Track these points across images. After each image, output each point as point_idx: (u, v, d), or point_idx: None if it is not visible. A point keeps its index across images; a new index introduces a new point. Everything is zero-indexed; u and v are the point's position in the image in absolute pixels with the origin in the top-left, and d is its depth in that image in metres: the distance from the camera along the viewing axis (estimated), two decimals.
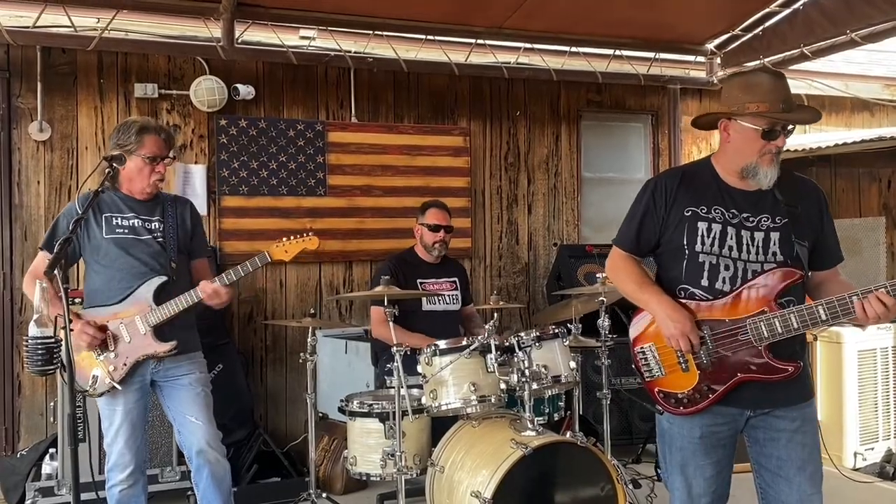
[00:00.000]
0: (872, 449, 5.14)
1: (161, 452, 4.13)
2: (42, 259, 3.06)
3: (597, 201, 5.87)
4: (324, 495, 3.68)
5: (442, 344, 3.30)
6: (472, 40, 5.01)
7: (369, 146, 5.10)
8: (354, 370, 4.51)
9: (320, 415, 4.74)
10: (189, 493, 4.16)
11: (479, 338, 3.24)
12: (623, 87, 5.77)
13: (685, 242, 2.35)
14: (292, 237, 3.12)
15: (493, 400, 3.26)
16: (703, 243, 2.33)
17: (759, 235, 2.32)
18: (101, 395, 3.01)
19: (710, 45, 5.55)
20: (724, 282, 2.31)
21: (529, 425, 3.16)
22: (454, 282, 4.33)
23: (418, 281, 4.20)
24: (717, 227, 2.33)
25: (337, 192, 5.02)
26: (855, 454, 5.07)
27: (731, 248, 2.31)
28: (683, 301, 2.36)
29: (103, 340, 2.99)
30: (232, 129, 4.78)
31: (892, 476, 4.74)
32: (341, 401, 3.59)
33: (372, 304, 4.17)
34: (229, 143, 4.77)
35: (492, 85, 5.50)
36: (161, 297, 3.02)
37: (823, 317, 2.18)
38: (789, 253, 2.31)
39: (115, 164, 2.79)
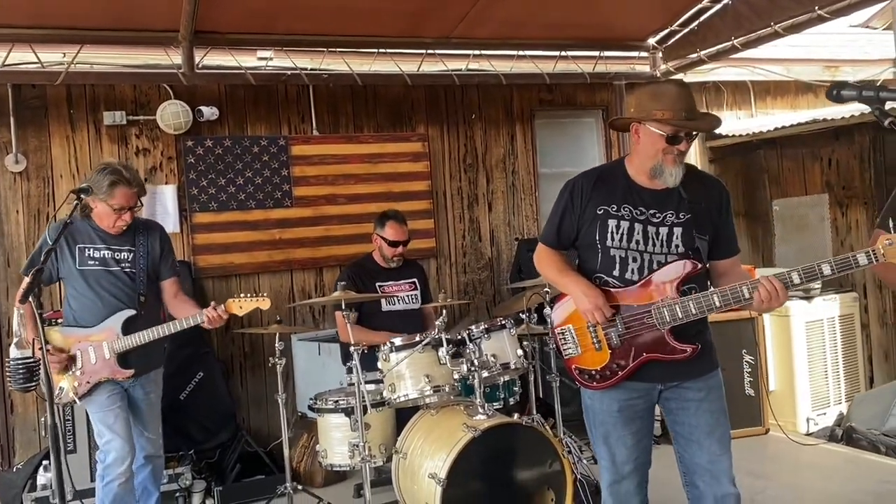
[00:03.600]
0: (825, 414, 5.46)
1: None
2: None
3: (554, 195, 6.11)
4: (300, 487, 3.95)
5: (397, 341, 3.59)
6: (423, 51, 5.28)
7: (331, 157, 5.37)
8: (328, 370, 4.78)
9: (299, 414, 5.04)
10: (177, 494, 4.45)
11: (431, 333, 3.53)
12: (573, 85, 6.05)
13: (598, 238, 2.64)
14: (250, 296, 3.50)
15: (447, 389, 3.55)
16: (612, 239, 2.61)
17: (663, 230, 2.59)
18: (64, 405, 3.53)
19: (652, 41, 5.83)
20: (632, 272, 2.60)
21: (480, 410, 3.44)
22: (413, 282, 4.60)
23: (377, 285, 4.46)
24: (625, 224, 2.61)
25: (303, 202, 5.29)
26: (807, 420, 5.39)
27: (638, 243, 2.60)
28: (603, 287, 2.65)
29: (66, 363, 3.42)
30: (198, 149, 5.04)
31: (840, 438, 5.05)
32: (310, 399, 3.88)
33: (335, 310, 4.46)
34: (196, 162, 5.03)
35: (446, 91, 5.77)
36: (129, 328, 3.43)
37: (717, 304, 2.47)
38: (690, 245, 2.58)
39: (82, 196, 3.06)
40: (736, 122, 6.71)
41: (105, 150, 4.90)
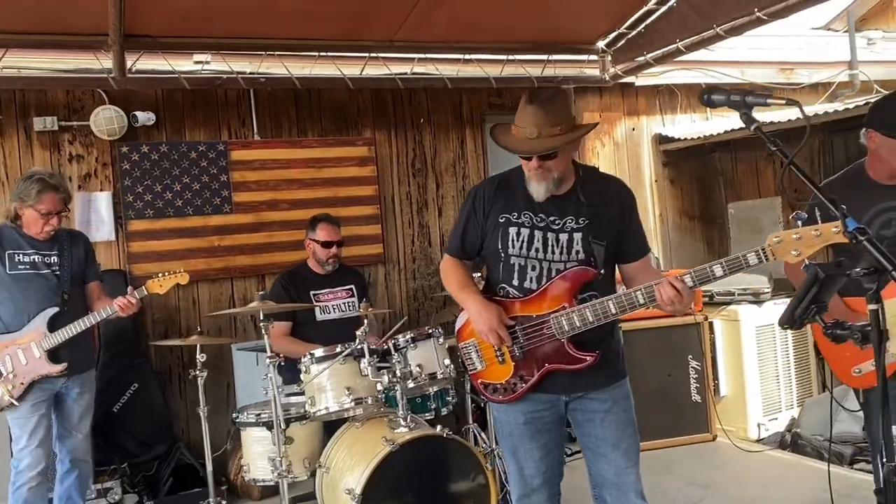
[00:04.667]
0: (776, 419, 5.41)
1: None
2: None
3: None
4: (223, 502, 3.85)
5: (318, 352, 3.50)
6: (366, 54, 5.18)
7: (273, 162, 5.27)
8: (267, 381, 4.67)
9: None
10: None
11: (351, 345, 3.44)
12: (523, 89, 5.95)
13: (500, 246, 2.57)
14: (167, 273, 3.71)
15: (369, 401, 3.47)
16: (513, 246, 2.55)
17: (563, 237, 2.53)
18: (2, 409, 3.54)
19: (601, 44, 5.77)
20: (531, 281, 2.53)
21: (402, 423, 3.36)
22: (350, 289, 4.51)
23: (312, 293, 4.38)
24: (525, 232, 2.54)
25: (243, 208, 5.18)
26: (758, 425, 5.34)
27: (537, 250, 2.53)
28: (500, 298, 2.57)
29: None
30: (134, 156, 4.93)
31: (788, 444, 4.99)
32: (234, 413, 3.78)
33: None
34: (132, 168, 4.92)
35: (394, 95, 5.69)
36: (55, 325, 3.59)
37: (614, 311, 2.40)
38: (591, 251, 2.52)
39: None
40: (690, 126, 6.67)
41: (36, 156, 4.78)
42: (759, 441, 5.20)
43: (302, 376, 3.55)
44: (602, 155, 6.43)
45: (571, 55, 5.80)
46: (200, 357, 3.73)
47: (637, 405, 4.92)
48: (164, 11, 4.40)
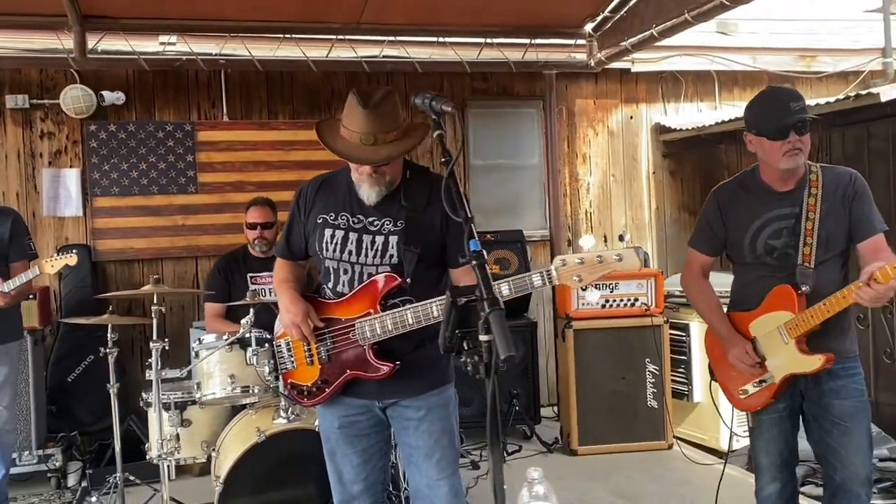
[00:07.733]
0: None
1: (21, 437, 4.47)
2: None
3: (487, 188, 5.93)
4: (132, 478, 3.95)
5: (206, 338, 3.52)
6: (333, 37, 5.13)
7: (241, 143, 5.31)
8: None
9: None
10: (49, 475, 4.54)
11: (237, 333, 3.43)
12: (509, 73, 5.77)
13: (318, 248, 2.49)
14: (60, 255, 3.69)
15: (255, 390, 3.47)
16: (328, 249, 2.46)
17: (379, 239, 2.42)
18: None
19: (588, 28, 5.51)
20: (343, 284, 2.45)
21: (282, 414, 3.35)
22: None
23: (248, 275, 4.40)
24: (339, 234, 2.44)
25: (209, 188, 5.25)
26: (730, 436, 5.03)
27: (350, 253, 2.43)
28: (319, 299, 2.50)
29: None
30: (101, 134, 5.07)
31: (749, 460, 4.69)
32: (143, 393, 3.86)
33: (205, 301, 4.46)
34: (99, 147, 5.06)
35: (370, 79, 5.60)
36: None
37: (410, 321, 2.29)
38: (404, 256, 2.40)
39: None
40: (694, 115, 6.30)
41: (9, 132, 4.99)
42: (730, 452, 4.90)
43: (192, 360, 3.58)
44: (594, 144, 6.17)
45: (555, 39, 5.55)
46: (113, 336, 3.80)
47: (586, 408, 4.77)
48: None
